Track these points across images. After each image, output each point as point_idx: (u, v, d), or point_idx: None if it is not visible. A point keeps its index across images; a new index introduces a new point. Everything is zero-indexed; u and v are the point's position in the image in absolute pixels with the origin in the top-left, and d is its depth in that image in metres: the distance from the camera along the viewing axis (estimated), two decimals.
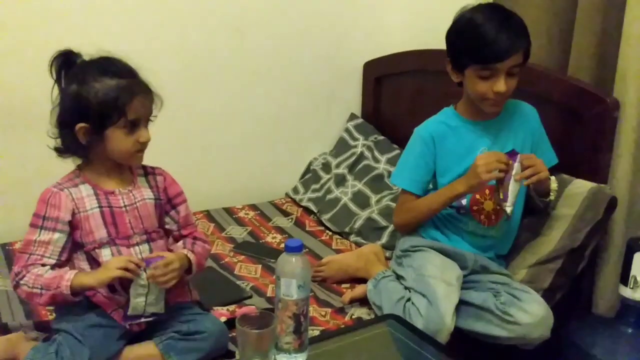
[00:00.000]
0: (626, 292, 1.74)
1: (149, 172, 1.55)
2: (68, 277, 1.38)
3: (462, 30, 1.66)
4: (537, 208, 1.80)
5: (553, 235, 1.80)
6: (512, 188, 1.61)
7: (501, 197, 1.63)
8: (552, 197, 1.75)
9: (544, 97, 1.89)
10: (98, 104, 1.36)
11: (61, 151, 1.43)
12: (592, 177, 1.81)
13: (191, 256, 1.51)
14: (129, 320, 1.42)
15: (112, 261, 1.39)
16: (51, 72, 1.42)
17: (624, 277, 1.75)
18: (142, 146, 1.43)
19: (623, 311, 1.79)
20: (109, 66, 1.39)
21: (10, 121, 2.12)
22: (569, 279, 1.81)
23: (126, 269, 1.37)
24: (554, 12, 1.98)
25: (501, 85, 1.62)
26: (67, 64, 1.42)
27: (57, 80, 1.43)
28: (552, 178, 1.73)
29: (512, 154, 1.64)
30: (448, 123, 1.77)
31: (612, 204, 1.78)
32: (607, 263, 1.90)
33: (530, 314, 1.60)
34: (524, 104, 1.81)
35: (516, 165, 1.61)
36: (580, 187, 1.80)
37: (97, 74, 1.37)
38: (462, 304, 1.68)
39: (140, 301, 1.40)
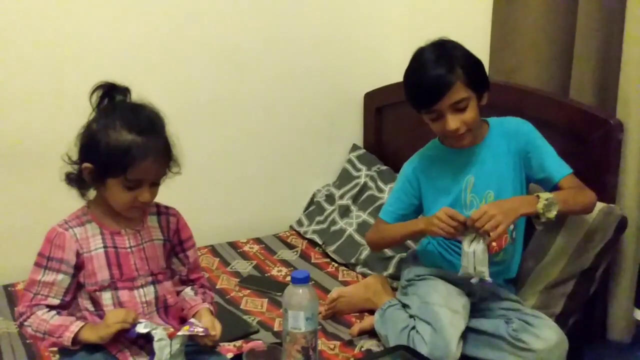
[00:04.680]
0: None
1: (162, 212, 1.51)
2: (72, 330, 1.36)
3: (404, 77, 1.71)
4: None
5: (561, 257, 1.77)
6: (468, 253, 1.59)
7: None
8: (548, 216, 1.59)
9: (546, 121, 1.88)
10: (105, 153, 1.33)
11: (70, 179, 1.41)
12: (599, 200, 1.79)
13: (212, 309, 1.51)
14: None
15: (110, 316, 1.37)
16: (90, 101, 1.39)
17: (638, 301, 1.71)
18: (141, 204, 1.39)
19: (639, 336, 1.75)
20: (135, 118, 1.35)
21: (10, 162, 2.13)
22: (581, 303, 1.78)
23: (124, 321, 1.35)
24: (553, 35, 2.00)
25: (448, 124, 1.63)
26: (106, 97, 1.39)
27: (94, 110, 1.40)
28: (541, 195, 1.62)
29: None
30: (433, 155, 1.81)
31: (623, 224, 1.75)
32: (620, 287, 1.86)
33: (543, 339, 1.57)
34: (513, 120, 1.78)
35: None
36: None
37: (119, 123, 1.33)
38: (473, 332, 1.65)
39: (166, 356, 1.36)
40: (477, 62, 1.68)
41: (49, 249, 1.39)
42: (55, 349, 1.62)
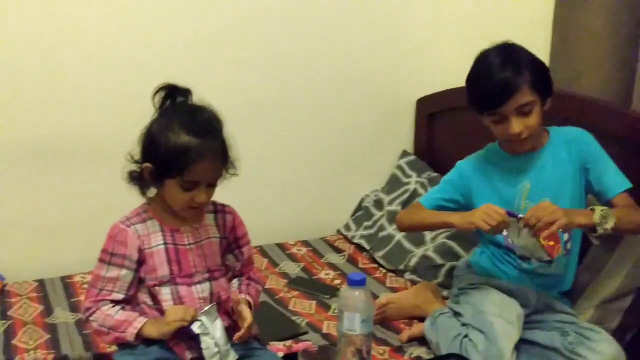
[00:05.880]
0: None
1: (218, 210, 1.54)
2: (136, 326, 1.40)
3: (467, 79, 1.70)
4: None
5: (619, 271, 1.73)
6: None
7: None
8: (605, 228, 1.57)
9: (606, 132, 1.84)
10: (164, 154, 1.36)
11: (132, 177, 1.44)
12: None
13: (250, 300, 1.51)
14: None
15: (169, 314, 1.40)
16: (153, 102, 1.42)
17: None
18: (198, 205, 1.41)
19: None
20: (193, 120, 1.37)
21: (71, 157, 2.19)
22: (638, 319, 1.73)
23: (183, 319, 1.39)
24: (616, 42, 1.96)
25: (512, 127, 1.62)
26: (168, 98, 1.42)
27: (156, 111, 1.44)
28: (596, 208, 1.60)
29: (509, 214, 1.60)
30: (490, 158, 1.79)
31: None
32: None
33: (600, 353, 1.54)
34: (574, 129, 1.76)
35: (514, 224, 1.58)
36: None
37: (178, 125, 1.36)
38: (527, 343, 1.63)
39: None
40: (544, 66, 1.67)
41: (112, 245, 1.43)
42: None
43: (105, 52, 2.18)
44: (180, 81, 1.46)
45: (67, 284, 2.10)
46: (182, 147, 1.35)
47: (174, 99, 1.42)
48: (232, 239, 1.55)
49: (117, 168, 1.45)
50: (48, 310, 1.94)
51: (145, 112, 1.43)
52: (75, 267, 2.15)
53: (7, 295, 2.01)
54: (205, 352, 1.38)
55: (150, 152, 1.39)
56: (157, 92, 1.42)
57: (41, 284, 2.09)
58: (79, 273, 2.14)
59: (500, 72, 1.60)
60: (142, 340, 1.41)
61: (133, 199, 1.49)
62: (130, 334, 1.39)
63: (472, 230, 1.65)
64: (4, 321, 1.86)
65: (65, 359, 1.65)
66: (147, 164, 1.40)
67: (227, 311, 1.52)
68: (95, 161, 2.17)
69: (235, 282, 1.57)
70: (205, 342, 1.38)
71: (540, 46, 2.18)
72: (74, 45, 2.14)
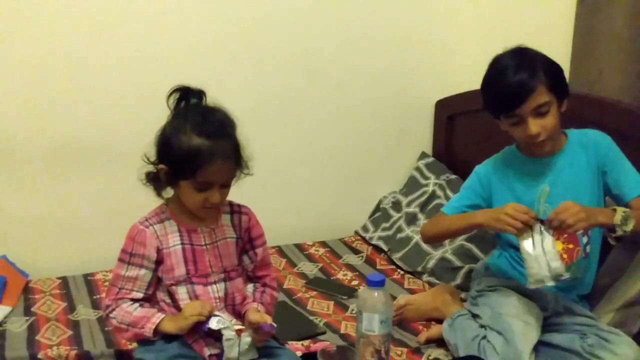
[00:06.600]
0: None
1: (235, 211, 1.55)
2: (154, 322, 1.42)
3: (482, 85, 1.71)
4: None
5: (639, 275, 1.72)
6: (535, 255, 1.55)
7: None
8: (625, 230, 1.58)
9: (627, 134, 1.83)
10: (176, 156, 1.38)
11: (149, 178, 1.46)
12: None
13: (261, 309, 1.52)
14: None
15: (187, 309, 1.41)
16: (167, 104, 1.44)
17: None
18: (212, 205, 1.42)
19: None
20: (204, 122, 1.38)
21: (94, 157, 2.23)
22: None
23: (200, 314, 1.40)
24: (637, 45, 1.94)
25: (529, 128, 1.62)
26: (182, 100, 1.43)
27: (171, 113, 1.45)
28: (618, 208, 1.60)
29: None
30: (508, 161, 1.79)
31: None
32: None
33: (620, 356, 1.53)
34: (592, 132, 1.75)
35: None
36: None
37: (190, 126, 1.37)
38: (546, 346, 1.62)
39: (234, 354, 1.41)
40: (558, 67, 1.67)
41: (132, 245, 1.45)
42: None
43: (127, 55, 2.21)
44: (201, 83, 1.47)
45: (90, 282, 2.13)
46: (193, 148, 1.36)
47: (187, 101, 1.43)
48: (247, 239, 1.56)
49: (136, 169, 1.46)
50: (71, 307, 1.97)
51: (165, 113, 1.45)
52: (97, 265, 2.18)
53: (31, 292, 2.05)
54: (225, 344, 1.39)
55: (164, 153, 1.41)
56: (171, 94, 1.43)
57: (64, 281, 2.13)
58: (100, 271, 2.18)
59: (516, 75, 1.61)
60: (161, 336, 1.43)
61: (154, 198, 1.50)
62: (148, 329, 1.41)
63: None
64: (27, 317, 1.90)
65: (87, 355, 1.68)
66: (162, 166, 1.41)
67: (240, 313, 1.53)
68: (118, 161, 2.20)
69: (250, 287, 1.58)
70: (227, 334, 1.39)
71: (561, 48, 2.17)
72: (99, 50, 2.18)
